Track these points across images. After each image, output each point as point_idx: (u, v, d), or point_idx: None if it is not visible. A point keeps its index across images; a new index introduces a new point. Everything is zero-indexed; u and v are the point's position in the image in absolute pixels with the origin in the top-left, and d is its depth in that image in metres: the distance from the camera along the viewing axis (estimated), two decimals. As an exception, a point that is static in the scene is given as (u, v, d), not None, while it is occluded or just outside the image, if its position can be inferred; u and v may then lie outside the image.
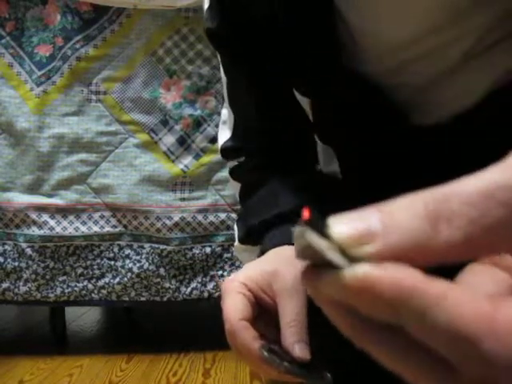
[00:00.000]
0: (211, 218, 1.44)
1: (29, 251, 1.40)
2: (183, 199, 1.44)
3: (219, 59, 0.69)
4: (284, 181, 0.63)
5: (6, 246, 1.42)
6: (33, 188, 1.43)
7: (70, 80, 1.44)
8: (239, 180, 0.68)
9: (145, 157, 1.45)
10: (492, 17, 0.52)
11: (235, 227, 0.66)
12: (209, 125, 1.47)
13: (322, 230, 0.19)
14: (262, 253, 0.54)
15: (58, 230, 1.42)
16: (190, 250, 1.43)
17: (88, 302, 1.44)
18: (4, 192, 1.42)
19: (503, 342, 0.16)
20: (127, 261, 1.43)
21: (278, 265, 0.46)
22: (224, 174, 1.42)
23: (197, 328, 1.73)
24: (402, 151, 0.60)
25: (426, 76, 0.57)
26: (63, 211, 1.43)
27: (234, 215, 1.43)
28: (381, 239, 0.18)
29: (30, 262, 1.40)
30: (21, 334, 1.75)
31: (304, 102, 0.66)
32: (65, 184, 1.43)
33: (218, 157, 1.33)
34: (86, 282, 1.42)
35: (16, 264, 1.41)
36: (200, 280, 1.43)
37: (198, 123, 1.46)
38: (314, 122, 0.67)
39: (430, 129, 0.58)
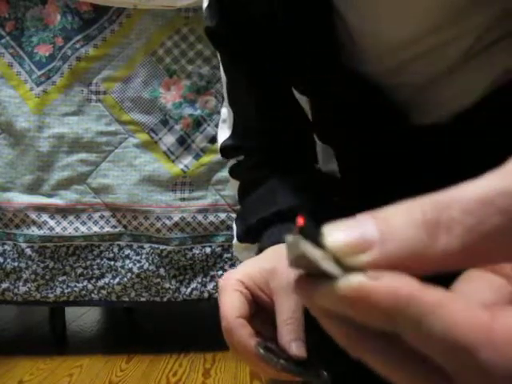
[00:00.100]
0: (211, 218, 1.44)
1: (28, 251, 1.40)
2: (183, 199, 1.44)
3: (219, 58, 0.69)
4: (283, 180, 0.62)
5: (6, 246, 1.42)
6: (32, 188, 1.42)
7: (69, 80, 1.44)
8: (238, 178, 0.68)
9: (145, 157, 1.45)
10: (491, 16, 0.52)
11: (234, 225, 0.66)
12: (209, 125, 1.46)
13: (316, 238, 0.18)
14: (260, 251, 0.54)
15: (58, 230, 1.42)
16: (190, 250, 1.43)
17: (88, 303, 1.44)
18: (4, 192, 1.42)
19: (501, 352, 0.16)
20: (127, 261, 1.43)
21: (276, 263, 0.46)
22: (224, 173, 1.42)
23: (197, 328, 1.73)
24: (401, 151, 0.60)
25: (425, 76, 0.57)
26: (63, 211, 1.43)
27: (234, 215, 1.42)
28: (377, 248, 0.18)
29: (30, 262, 1.40)
30: (20, 334, 1.75)
31: (303, 100, 0.66)
32: (64, 184, 1.43)
33: (218, 157, 1.32)
34: (85, 283, 1.42)
35: (16, 264, 1.41)
36: (200, 280, 1.43)
37: (197, 123, 1.46)
38: (313, 122, 0.67)
39: (430, 129, 0.58)
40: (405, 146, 0.60)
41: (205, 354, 1.45)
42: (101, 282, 1.42)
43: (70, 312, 1.74)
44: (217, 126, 1.41)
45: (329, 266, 0.18)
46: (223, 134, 0.71)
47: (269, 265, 0.46)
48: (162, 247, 1.43)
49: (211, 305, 1.41)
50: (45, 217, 1.42)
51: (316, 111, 0.66)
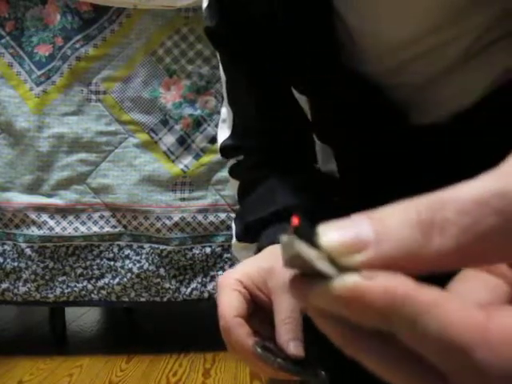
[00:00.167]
0: (211, 218, 1.44)
1: (28, 251, 1.40)
2: (183, 199, 1.44)
3: (218, 58, 0.69)
4: (283, 179, 0.62)
5: (6, 246, 1.42)
6: (32, 188, 1.42)
7: (69, 80, 1.44)
8: (238, 178, 0.68)
9: (145, 157, 1.45)
10: (491, 16, 0.52)
11: (233, 225, 0.66)
12: (209, 125, 1.46)
13: (311, 238, 0.18)
14: (259, 250, 0.54)
15: (58, 230, 1.42)
16: (189, 250, 1.43)
17: (87, 303, 1.44)
18: (3, 192, 1.42)
19: (496, 352, 0.16)
20: (127, 261, 1.43)
21: (274, 262, 0.46)
22: (224, 173, 1.42)
23: (197, 328, 1.73)
24: (401, 151, 0.60)
25: (425, 75, 0.57)
26: (63, 211, 1.43)
27: (234, 215, 1.42)
28: (372, 247, 0.18)
29: (30, 263, 1.40)
30: (20, 334, 1.75)
31: (302, 100, 0.66)
32: (64, 184, 1.43)
33: (218, 157, 1.32)
34: (85, 283, 1.42)
35: (15, 264, 1.41)
36: (200, 280, 1.43)
37: (197, 123, 1.46)
38: (313, 121, 0.67)
39: (430, 128, 0.58)
40: (404, 145, 0.60)
41: (205, 354, 1.45)
42: (101, 282, 1.42)
43: (70, 312, 1.74)
44: (217, 126, 1.41)
45: (323, 265, 0.18)
46: (223, 133, 0.71)
47: (267, 264, 0.46)
48: (161, 247, 1.43)
49: (211, 305, 1.41)
50: (44, 217, 1.42)
51: (315, 111, 0.66)
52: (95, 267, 1.43)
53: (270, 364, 0.40)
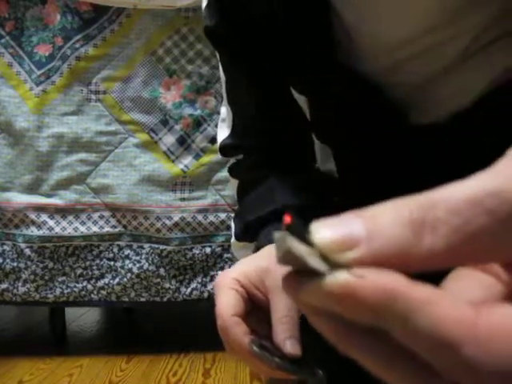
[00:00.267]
0: (211, 218, 1.44)
1: (28, 251, 1.40)
2: (183, 199, 1.44)
3: (218, 58, 0.69)
4: (282, 179, 0.62)
5: (5, 247, 1.42)
6: (32, 188, 1.42)
7: (69, 79, 1.44)
8: (237, 177, 0.68)
9: (144, 157, 1.45)
10: (488, 16, 0.52)
11: (232, 224, 0.66)
12: (209, 125, 1.46)
13: (303, 235, 0.18)
14: (258, 249, 0.54)
15: (57, 230, 1.42)
16: (189, 250, 1.43)
17: (87, 303, 1.44)
18: (3, 192, 1.42)
19: (484, 348, 0.16)
20: (127, 261, 1.43)
21: (272, 261, 0.46)
22: (224, 173, 1.42)
23: (197, 328, 1.73)
24: (400, 151, 0.60)
25: (422, 75, 0.57)
26: (62, 211, 1.43)
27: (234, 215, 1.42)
28: (364, 245, 0.18)
29: (29, 263, 1.40)
30: (20, 334, 1.75)
31: (301, 100, 0.66)
32: (64, 184, 1.43)
33: (218, 157, 1.33)
34: (85, 283, 1.42)
35: (15, 264, 1.41)
36: (200, 280, 1.43)
37: (197, 123, 1.46)
38: (312, 121, 0.67)
39: (429, 128, 0.58)
40: (404, 145, 0.60)
41: (205, 354, 1.45)
42: (100, 283, 1.42)
43: (70, 312, 1.74)
44: (217, 126, 1.40)
45: (315, 262, 0.18)
46: (222, 132, 0.71)
47: (265, 263, 0.47)
48: (161, 247, 1.43)
49: (211, 305, 1.40)
50: (44, 217, 1.42)
51: (315, 111, 0.66)
52: (95, 267, 1.43)
53: (266, 363, 0.40)
